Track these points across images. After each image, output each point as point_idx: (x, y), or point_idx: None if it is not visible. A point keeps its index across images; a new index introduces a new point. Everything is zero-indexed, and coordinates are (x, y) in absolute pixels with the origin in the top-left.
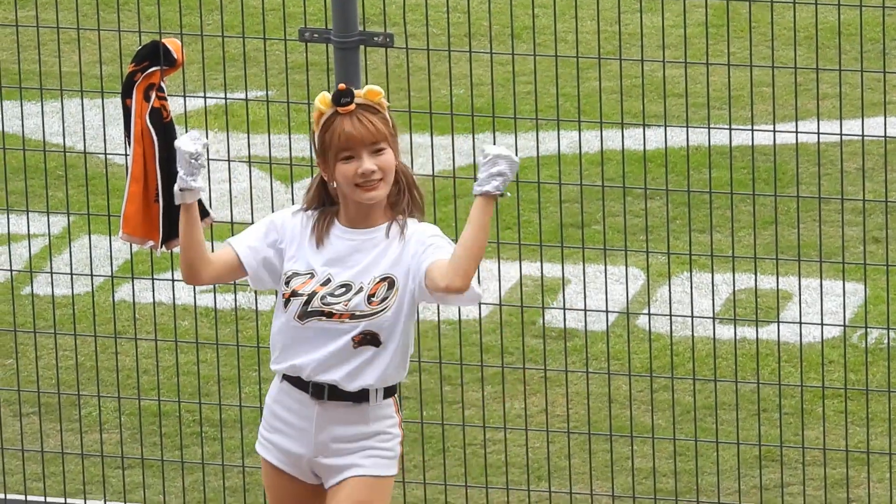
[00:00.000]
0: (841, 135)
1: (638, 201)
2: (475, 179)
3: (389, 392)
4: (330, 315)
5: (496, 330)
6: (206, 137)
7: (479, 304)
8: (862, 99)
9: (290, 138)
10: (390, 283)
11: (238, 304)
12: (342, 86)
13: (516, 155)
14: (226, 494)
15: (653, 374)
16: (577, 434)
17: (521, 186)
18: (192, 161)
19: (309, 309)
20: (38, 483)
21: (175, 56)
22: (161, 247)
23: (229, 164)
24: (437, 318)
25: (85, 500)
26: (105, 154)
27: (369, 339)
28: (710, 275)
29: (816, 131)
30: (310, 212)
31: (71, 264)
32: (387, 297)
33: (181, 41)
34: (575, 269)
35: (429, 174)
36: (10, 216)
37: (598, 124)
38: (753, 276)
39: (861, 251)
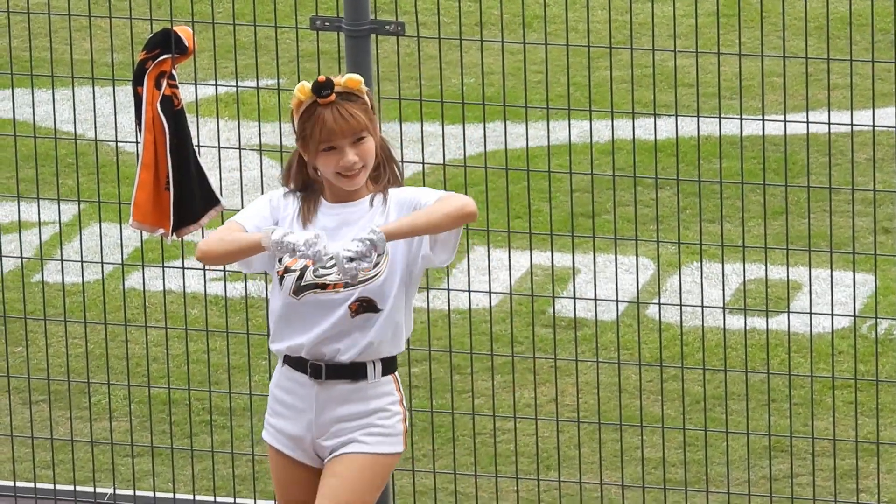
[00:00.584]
0: (851, 125)
1: (648, 191)
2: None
3: (388, 369)
4: (324, 286)
5: (506, 319)
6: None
7: (490, 293)
8: (873, 89)
9: None
10: (383, 252)
11: (248, 291)
12: (322, 77)
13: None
14: (235, 483)
15: (662, 364)
16: (586, 424)
17: (532, 176)
18: (283, 250)
19: (303, 283)
20: (48, 471)
21: (186, 44)
22: (172, 234)
23: (240, 152)
24: (447, 307)
25: (94, 487)
26: (116, 142)
27: (366, 307)
28: (720, 265)
29: (827, 121)
30: (293, 195)
31: (81, 252)
32: (378, 263)
33: (192, 29)
34: (585, 258)
35: (439, 163)
36: (20, 203)
37: (608, 114)
38: (763, 266)
39: (871, 241)
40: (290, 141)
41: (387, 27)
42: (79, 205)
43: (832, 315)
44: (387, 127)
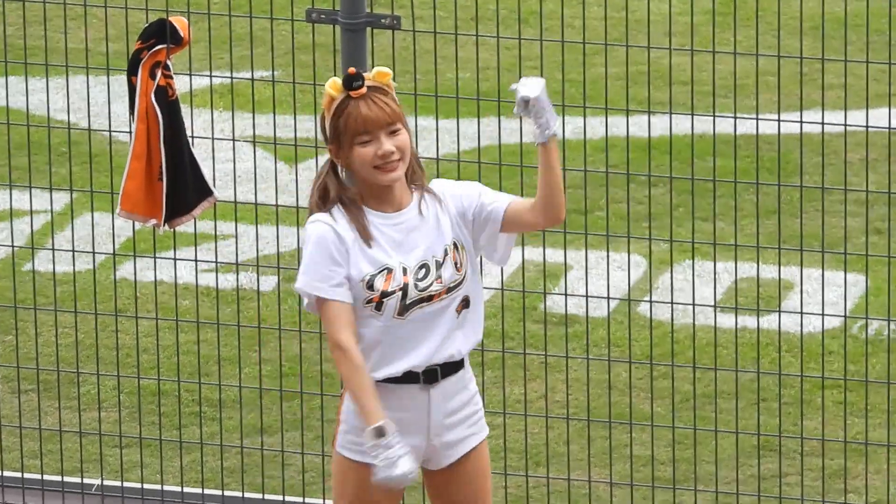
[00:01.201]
0: (845, 125)
1: (641, 188)
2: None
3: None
4: (430, 298)
5: (497, 314)
6: None
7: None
8: (867, 90)
9: (294, 119)
10: (459, 245)
11: (239, 284)
12: (352, 70)
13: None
14: (223, 475)
15: (653, 362)
16: (576, 420)
17: (526, 171)
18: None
19: (408, 301)
20: (36, 461)
21: (181, 34)
22: (164, 225)
23: (234, 144)
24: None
25: (82, 478)
26: (109, 131)
27: (465, 304)
28: (712, 263)
29: (821, 121)
30: (332, 216)
31: (73, 241)
32: (463, 260)
33: (188, 20)
34: (577, 254)
35: (433, 157)
36: (12, 192)
37: (603, 110)
38: (755, 265)
39: (863, 242)
40: (284, 133)
41: (382, 21)
42: (71, 194)
43: (823, 315)
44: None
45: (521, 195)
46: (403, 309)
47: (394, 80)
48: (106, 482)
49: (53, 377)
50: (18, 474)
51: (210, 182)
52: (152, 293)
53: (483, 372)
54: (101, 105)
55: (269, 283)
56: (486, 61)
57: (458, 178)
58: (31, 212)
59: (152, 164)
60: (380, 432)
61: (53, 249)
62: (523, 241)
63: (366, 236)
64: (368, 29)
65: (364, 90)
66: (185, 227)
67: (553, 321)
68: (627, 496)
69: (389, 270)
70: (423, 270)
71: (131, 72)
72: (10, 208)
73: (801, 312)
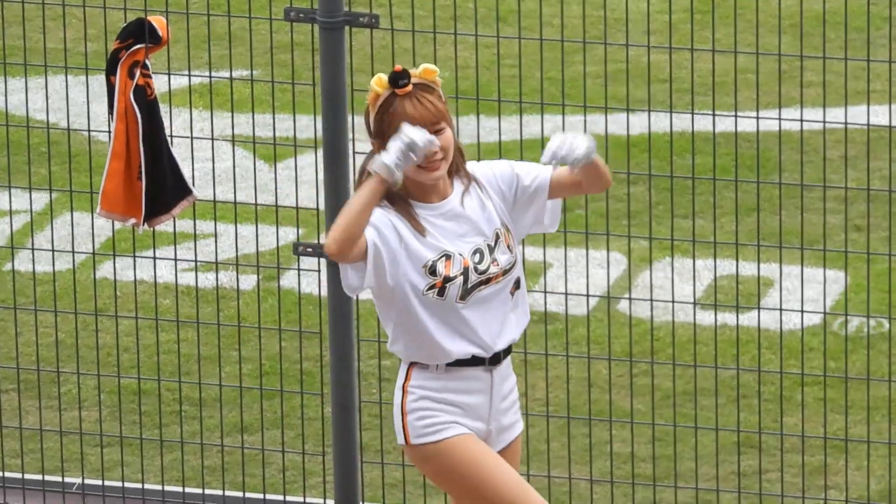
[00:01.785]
0: (824, 122)
1: (621, 186)
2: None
3: None
4: (488, 281)
5: None
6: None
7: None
8: (846, 87)
9: (273, 118)
10: (507, 228)
11: (220, 283)
12: (398, 67)
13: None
14: (204, 474)
15: (633, 359)
16: (556, 418)
17: None
18: (408, 152)
19: (469, 285)
20: (17, 460)
21: (160, 34)
22: (143, 224)
23: (213, 143)
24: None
25: (63, 477)
26: (89, 131)
27: (517, 285)
28: (691, 260)
29: (800, 119)
30: (380, 209)
31: (53, 241)
32: (512, 243)
33: (166, 19)
34: (557, 252)
35: None
36: None
37: (582, 108)
38: (735, 262)
39: (843, 239)
40: (264, 132)
41: (361, 19)
42: (50, 194)
43: (802, 312)
44: (360, 120)
45: None
46: (465, 293)
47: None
48: (87, 481)
49: (34, 377)
50: (0, 474)
51: (189, 181)
52: (132, 292)
53: None
54: (81, 105)
55: (248, 282)
56: (465, 60)
57: None
58: (11, 212)
59: (131, 164)
60: (382, 155)
61: (33, 249)
62: None
63: (419, 228)
64: (347, 27)
65: (410, 88)
66: (165, 226)
67: (533, 319)
68: (608, 493)
69: (448, 256)
70: (478, 255)
71: (110, 71)
72: None
73: (781, 309)
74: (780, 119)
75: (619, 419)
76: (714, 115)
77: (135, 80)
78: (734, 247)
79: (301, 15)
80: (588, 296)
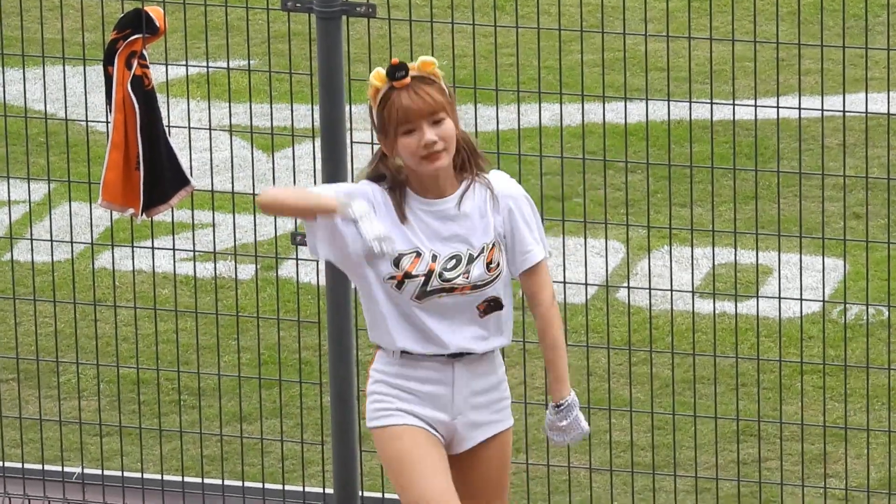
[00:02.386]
0: (822, 110)
1: (619, 174)
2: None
3: None
4: (451, 290)
5: None
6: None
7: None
8: (844, 75)
9: (271, 107)
10: (498, 245)
11: (218, 272)
12: (395, 60)
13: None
14: (203, 463)
15: (632, 348)
16: None
17: (503, 158)
18: (355, 223)
19: (428, 289)
20: (16, 449)
21: (157, 24)
22: (141, 214)
23: (210, 133)
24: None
25: (62, 466)
26: (87, 121)
27: (493, 305)
28: (689, 249)
29: (798, 107)
30: (378, 187)
31: (51, 231)
32: (500, 261)
33: (164, 9)
34: (555, 241)
35: None
36: None
37: (579, 97)
38: (733, 250)
39: (841, 227)
40: (261, 121)
41: (358, 9)
42: (49, 184)
43: (801, 300)
44: (358, 109)
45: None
46: (422, 294)
47: (368, 67)
48: (86, 470)
49: (33, 366)
50: (0, 463)
51: (187, 171)
52: (131, 282)
53: None
54: (79, 95)
55: (247, 271)
56: (463, 49)
57: None
58: (10, 202)
59: (129, 154)
60: (355, 208)
61: (32, 239)
62: None
63: (400, 214)
64: (344, 17)
65: (407, 80)
66: (163, 216)
67: None
68: (607, 482)
69: (419, 254)
70: (454, 261)
71: (108, 62)
72: None
73: (780, 297)
74: (778, 107)
75: (618, 408)
76: (712, 103)
77: (132, 71)
78: (732, 235)
79: (298, 5)
80: (586, 284)
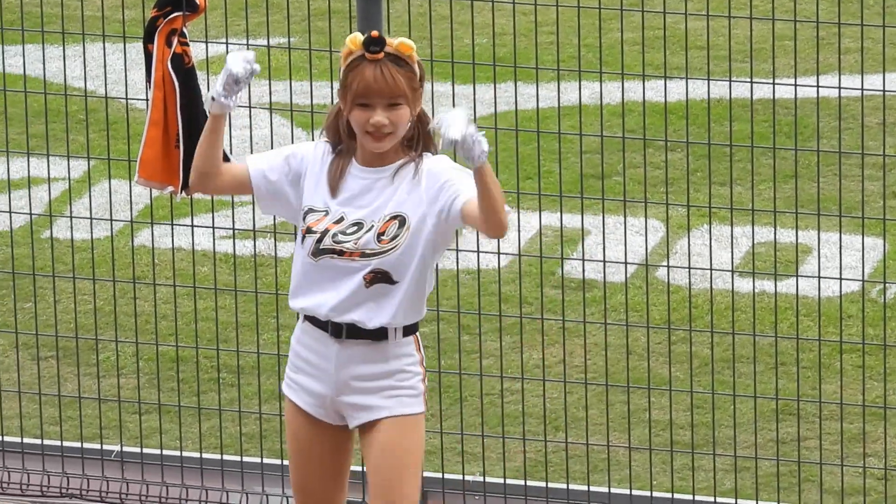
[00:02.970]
0: (862, 89)
1: (658, 153)
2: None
3: (409, 330)
4: (341, 253)
5: (515, 280)
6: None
7: (499, 253)
8: (884, 54)
9: (311, 85)
10: (401, 221)
11: (257, 250)
12: (375, 33)
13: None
14: (242, 441)
15: (671, 327)
16: (594, 385)
17: (543, 137)
18: (231, 83)
19: (321, 247)
20: (55, 427)
21: (197, 2)
22: (181, 192)
23: (250, 111)
24: (455, 268)
25: (101, 444)
26: (126, 99)
27: (381, 278)
28: (729, 228)
29: (838, 86)
30: (329, 147)
31: (90, 208)
32: (397, 236)
33: None
34: (595, 220)
35: None
36: (30, 160)
37: (619, 75)
38: (773, 229)
39: (881, 206)
40: (301, 99)
41: None
42: (88, 161)
43: (841, 279)
44: None
45: (538, 161)
46: (316, 252)
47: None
48: (125, 448)
49: (72, 344)
50: (38, 441)
51: (227, 149)
52: (170, 260)
53: (501, 337)
54: (118, 73)
55: (286, 249)
56: (503, 27)
57: None
58: (49, 179)
59: (169, 132)
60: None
61: (71, 217)
62: (540, 206)
63: (333, 186)
64: None
65: (380, 56)
66: (202, 194)
67: (571, 286)
68: (646, 460)
69: (327, 213)
70: (355, 227)
71: (147, 40)
72: (28, 176)
73: (819, 276)
74: (818, 86)
75: (658, 387)
76: (752, 82)
77: (172, 49)
78: (772, 214)
79: None
80: (626, 263)
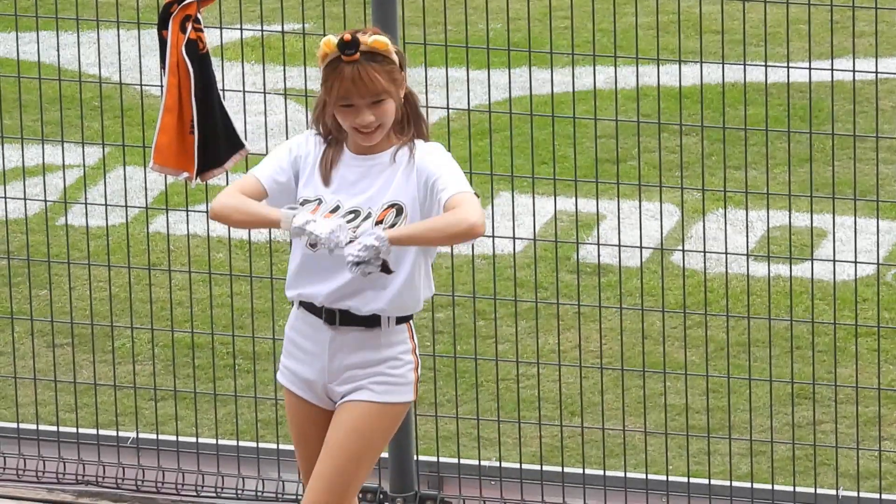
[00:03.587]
0: (876, 73)
1: (673, 137)
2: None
3: (402, 319)
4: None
5: (530, 265)
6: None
7: (514, 238)
8: None
9: None
10: (398, 209)
11: (273, 236)
12: (347, 36)
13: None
14: (258, 427)
15: (686, 311)
16: (610, 370)
17: (557, 121)
18: (302, 235)
19: None
20: (71, 414)
21: None
22: (196, 178)
23: (265, 97)
24: (471, 253)
25: (117, 431)
26: (141, 85)
27: (380, 268)
28: (744, 212)
29: (852, 69)
30: (320, 139)
31: (105, 195)
32: (395, 224)
33: None
34: (610, 204)
35: (464, 108)
36: (45, 146)
37: (634, 60)
38: (788, 213)
39: None
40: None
41: None
42: (103, 148)
43: (856, 262)
44: (412, 72)
45: (553, 146)
46: (314, 242)
47: (424, 33)
48: (141, 435)
49: (88, 331)
50: (54, 428)
51: (241, 135)
52: (185, 246)
53: (517, 322)
54: (133, 59)
55: None
56: (517, 11)
57: (490, 129)
58: (64, 166)
59: (184, 118)
60: (297, 215)
61: (86, 203)
62: (555, 191)
63: (325, 176)
64: None
65: (357, 56)
66: (218, 179)
67: (586, 271)
68: (662, 445)
69: (320, 202)
70: (352, 215)
71: (162, 26)
72: (43, 163)
73: (834, 260)
74: (832, 70)
75: (673, 371)
76: (766, 66)
77: (187, 35)
78: (787, 198)
79: None
80: (641, 248)
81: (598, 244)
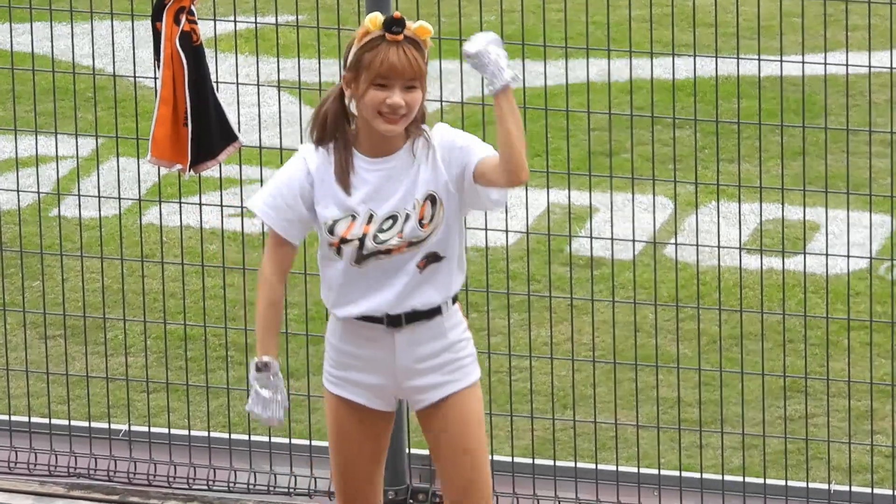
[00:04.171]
0: (870, 66)
1: (667, 130)
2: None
3: (455, 299)
4: (388, 251)
5: (523, 257)
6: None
7: (507, 231)
8: (891, 30)
9: (319, 63)
10: (432, 199)
11: (265, 228)
12: (397, 14)
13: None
14: (250, 419)
15: (679, 304)
16: (602, 363)
17: (550, 114)
18: (257, 396)
19: (364, 252)
20: (63, 406)
21: None
22: (189, 170)
23: (258, 89)
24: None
25: (109, 423)
26: (134, 77)
27: (432, 259)
28: (737, 205)
29: (845, 62)
30: (322, 151)
31: (99, 187)
32: (435, 215)
33: None
34: (603, 197)
35: (458, 101)
36: (38, 137)
37: (627, 53)
38: (781, 206)
39: (888, 183)
40: (309, 77)
41: None
42: (97, 139)
43: (849, 256)
44: None
45: (546, 138)
46: (360, 258)
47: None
48: (133, 427)
49: (80, 323)
50: (46, 420)
51: (235, 127)
52: (178, 238)
53: (509, 314)
54: (127, 51)
55: None
56: (511, 3)
57: (483, 122)
58: (58, 157)
59: (178, 110)
60: (259, 367)
61: (79, 195)
62: (549, 183)
63: (345, 184)
64: None
65: (401, 37)
66: (211, 172)
67: (579, 264)
68: (654, 438)
69: (354, 217)
70: (391, 221)
71: (156, 18)
72: (36, 154)
73: (827, 254)
74: (825, 63)
75: (665, 364)
76: (759, 59)
77: (180, 27)
78: (780, 191)
79: None
80: (634, 241)
81: (591, 237)
